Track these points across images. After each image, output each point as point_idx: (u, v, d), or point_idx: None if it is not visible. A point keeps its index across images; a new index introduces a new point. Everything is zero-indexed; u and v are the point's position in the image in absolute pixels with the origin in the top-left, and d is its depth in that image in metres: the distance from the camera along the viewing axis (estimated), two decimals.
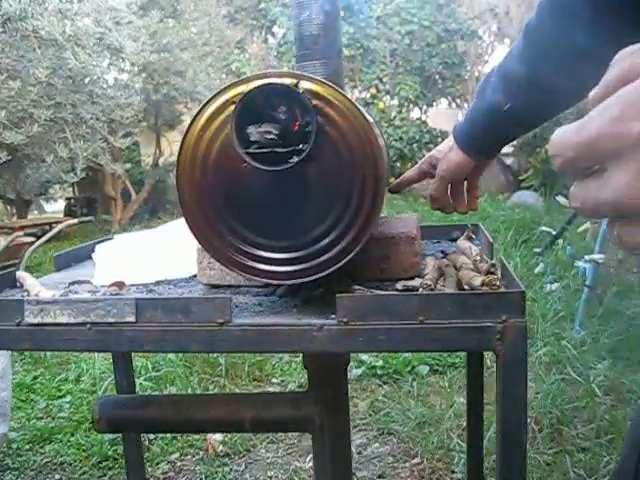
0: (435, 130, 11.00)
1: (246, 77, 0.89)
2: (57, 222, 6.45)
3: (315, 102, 0.88)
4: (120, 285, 1.20)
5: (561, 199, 5.68)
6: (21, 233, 5.45)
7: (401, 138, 10.08)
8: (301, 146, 0.87)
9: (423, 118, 11.13)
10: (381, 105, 10.53)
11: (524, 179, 9.04)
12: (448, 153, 1.23)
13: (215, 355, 3.29)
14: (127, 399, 1.41)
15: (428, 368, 3.21)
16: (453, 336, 0.89)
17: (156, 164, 9.89)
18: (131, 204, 9.24)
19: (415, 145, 10.54)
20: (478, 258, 1.15)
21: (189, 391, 2.96)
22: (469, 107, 1.22)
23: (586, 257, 3.87)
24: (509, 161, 10.31)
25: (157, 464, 2.56)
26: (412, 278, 1.09)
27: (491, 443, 2.20)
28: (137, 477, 1.79)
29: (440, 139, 11.35)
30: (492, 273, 1.03)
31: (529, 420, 2.58)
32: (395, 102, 10.88)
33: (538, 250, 5.00)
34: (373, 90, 10.61)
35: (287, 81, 0.87)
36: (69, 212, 10.80)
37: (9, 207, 10.38)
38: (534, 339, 3.43)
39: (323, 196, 0.90)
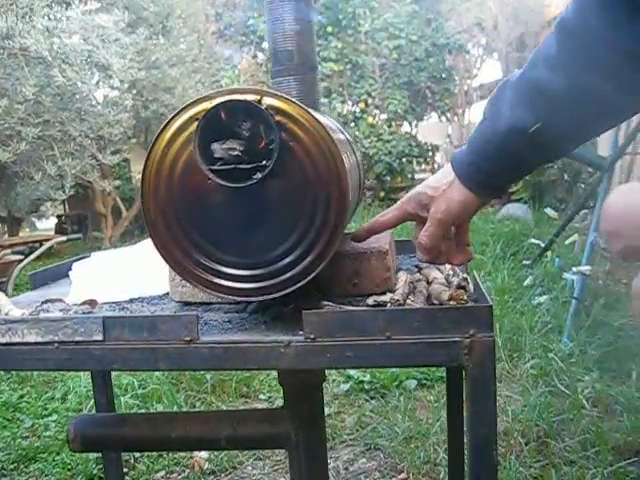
0: (425, 144, 11.04)
1: (209, 94, 0.89)
2: (47, 240, 6.43)
3: (279, 118, 0.88)
4: (92, 303, 1.19)
5: (550, 211, 5.70)
6: (9, 251, 5.44)
7: (390, 152, 10.11)
8: (264, 162, 0.87)
9: (413, 132, 11.18)
10: (370, 120, 10.57)
11: (514, 192, 9.07)
12: (447, 190, 0.96)
13: (202, 372, 3.27)
14: (102, 417, 1.40)
15: (416, 382, 3.20)
16: (420, 351, 0.89)
17: None
18: (121, 221, 9.22)
19: (405, 159, 10.57)
20: (451, 272, 1.15)
21: (175, 408, 2.94)
22: (472, 134, 0.96)
23: (574, 269, 3.88)
24: None
25: None
26: (384, 293, 1.09)
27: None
28: None
29: (430, 152, 11.40)
30: (462, 287, 1.04)
31: (515, 433, 2.57)
32: (385, 116, 10.92)
33: (527, 262, 5.00)
34: (362, 105, 10.66)
35: (250, 97, 0.88)
36: (60, 229, 10.76)
37: (0, 225, 10.34)
38: (522, 352, 3.42)
39: (287, 212, 0.90)
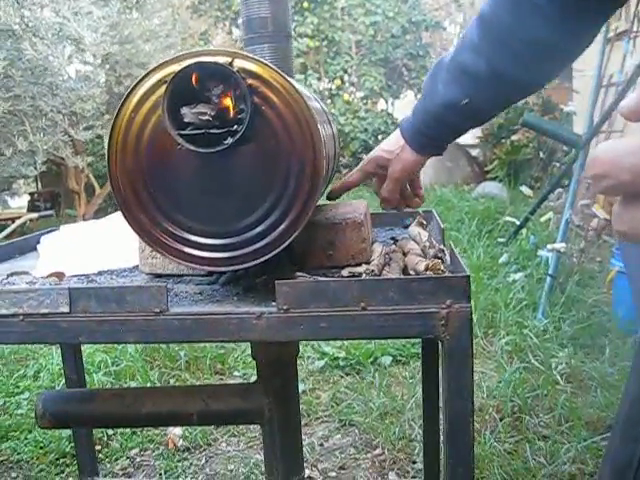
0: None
1: (178, 55, 0.85)
2: (18, 217, 6.33)
3: (251, 82, 0.85)
4: (59, 275, 1.16)
5: (525, 189, 5.74)
6: None
7: (366, 130, 10.05)
8: (236, 127, 0.83)
9: (389, 110, 11.12)
10: (346, 97, 10.50)
11: (490, 170, 9.08)
12: (400, 153, 1.20)
13: (176, 348, 3.24)
14: (71, 393, 1.37)
15: (391, 359, 3.19)
16: (396, 323, 0.87)
17: None
18: (95, 198, 9.08)
19: (380, 136, 10.51)
20: (427, 244, 1.13)
21: (149, 385, 2.92)
22: (416, 104, 1.18)
23: (548, 246, 3.90)
24: (475, 152, 10.35)
25: (116, 460, 2.51)
26: (359, 265, 1.07)
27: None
28: (89, 473, 1.74)
29: None
30: (439, 258, 1.01)
31: (490, 409, 2.58)
32: (361, 94, 10.86)
33: (502, 240, 5.01)
34: (338, 82, 10.57)
35: (221, 59, 0.84)
36: (32, 207, 10.60)
37: None
38: (497, 328, 3.43)
39: (260, 179, 0.87)
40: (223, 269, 0.92)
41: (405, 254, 1.09)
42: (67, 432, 2.57)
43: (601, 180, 0.36)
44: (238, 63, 0.84)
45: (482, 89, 1.05)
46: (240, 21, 10.55)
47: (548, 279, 3.69)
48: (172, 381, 3.06)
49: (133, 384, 2.96)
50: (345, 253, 1.10)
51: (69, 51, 6.39)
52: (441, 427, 1.73)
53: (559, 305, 3.60)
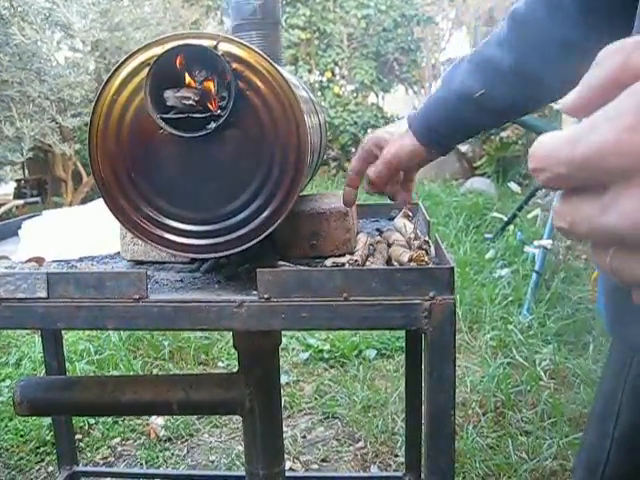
0: (390, 116, 10.97)
1: (161, 37, 0.83)
2: (3, 204, 6.28)
3: (235, 66, 0.83)
4: (39, 260, 1.14)
5: (513, 185, 5.72)
6: None
7: (356, 123, 10.01)
8: (219, 112, 0.82)
9: (380, 104, 11.10)
10: (337, 89, 10.46)
11: (478, 166, 9.09)
12: (401, 137, 1.10)
13: (160, 338, 3.22)
14: (50, 380, 1.35)
15: (375, 352, 3.19)
16: (379, 314, 0.86)
17: None
18: (82, 186, 9.01)
19: (370, 130, 10.49)
20: (412, 235, 1.12)
21: (132, 374, 2.90)
22: (429, 95, 1.12)
23: (535, 243, 3.90)
24: (464, 148, 10.36)
25: (97, 449, 2.50)
26: (343, 255, 1.06)
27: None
28: (68, 462, 1.73)
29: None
30: (424, 250, 1.01)
31: (473, 404, 2.58)
32: (352, 87, 10.82)
33: (489, 236, 5.02)
34: (329, 74, 10.53)
35: (205, 42, 0.83)
36: (19, 194, 10.50)
37: None
38: (482, 323, 3.43)
39: (243, 165, 0.86)
40: (205, 256, 0.91)
41: (390, 245, 1.08)
42: (48, 420, 2.55)
43: (539, 174, 0.35)
44: (223, 47, 0.83)
45: (502, 82, 1.00)
46: (226, 6, 10.52)
47: (534, 275, 3.70)
48: (155, 371, 3.05)
49: (115, 373, 2.95)
50: (329, 243, 1.09)
51: (58, 37, 6.34)
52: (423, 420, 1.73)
53: (544, 302, 3.61)
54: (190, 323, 0.88)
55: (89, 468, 2.22)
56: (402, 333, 3.04)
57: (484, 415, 2.52)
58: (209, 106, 0.84)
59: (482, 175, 8.52)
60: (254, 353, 1.22)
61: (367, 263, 1.00)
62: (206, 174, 0.87)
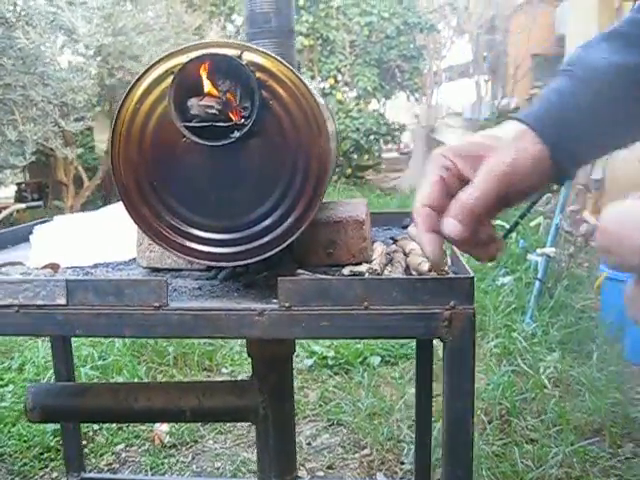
0: (392, 123, 10.99)
1: (185, 46, 0.84)
2: (5, 207, 6.28)
3: (259, 75, 0.83)
4: (54, 267, 1.14)
5: None
6: None
7: (358, 129, 10.04)
8: (243, 121, 0.82)
9: (381, 110, 11.12)
10: (339, 96, 10.49)
11: None
12: (517, 141, 0.66)
13: (164, 344, 3.22)
14: (62, 387, 1.35)
15: (380, 359, 3.19)
16: (399, 323, 0.86)
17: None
18: (83, 190, 9.02)
19: (372, 137, 10.51)
20: None
21: (137, 380, 2.90)
22: (549, 87, 0.71)
23: (538, 251, 3.90)
24: None
25: (101, 455, 2.49)
26: (360, 264, 1.06)
27: (441, 434, 2.19)
28: (75, 468, 1.72)
29: (398, 132, 11.34)
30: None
31: (479, 411, 2.58)
32: (354, 93, 10.85)
33: None
34: (331, 81, 10.56)
35: (229, 52, 0.83)
36: (20, 198, 10.50)
37: None
38: (485, 331, 3.43)
39: (265, 174, 0.86)
40: (227, 264, 0.91)
41: (406, 254, 1.08)
42: (51, 426, 2.54)
43: (606, 255, 0.33)
44: (247, 56, 0.83)
45: None
46: (233, 16, 10.52)
47: (537, 283, 3.70)
48: (160, 377, 3.04)
49: (120, 379, 2.94)
50: (346, 252, 1.09)
51: (62, 41, 6.34)
52: (434, 428, 1.73)
53: (547, 309, 3.61)
54: (210, 331, 0.89)
55: (94, 475, 2.22)
56: (407, 340, 3.05)
57: (490, 423, 2.51)
58: (230, 115, 0.85)
59: None
60: (268, 360, 1.22)
61: (385, 272, 1.00)
62: (228, 182, 0.87)
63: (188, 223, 0.89)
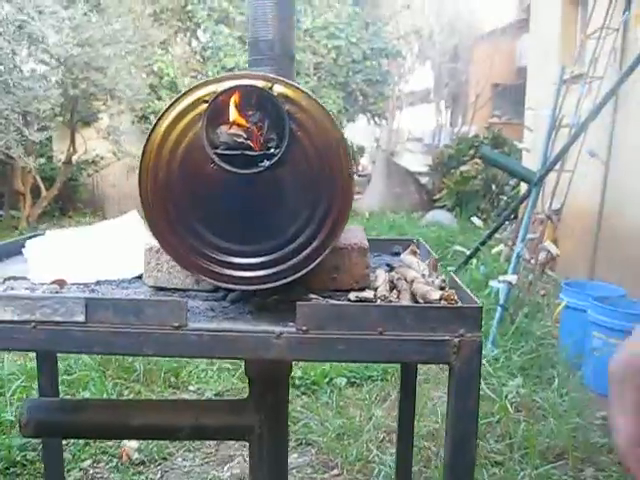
0: (351, 145, 11.09)
1: (218, 77, 0.87)
2: None
3: (288, 107, 0.87)
4: (61, 283, 1.15)
5: (476, 220, 5.86)
6: None
7: None
8: (272, 150, 0.86)
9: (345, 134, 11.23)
10: None
11: (438, 199, 9.26)
12: None
13: (130, 360, 3.20)
14: (58, 402, 1.35)
15: (345, 380, 3.22)
16: (411, 348, 0.90)
17: (69, 161, 9.56)
18: (40, 201, 8.90)
19: None
20: (426, 272, 1.17)
21: (104, 396, 2.87)
22: None
23: (500, 278, 3.99)
24: (424, 180, 10.54)
25: (69, 471, 2.46)
26: (363, 289, 1.10)
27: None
28: None
29: (359, 156, 11.44)
30: (442, 288, 1.05)
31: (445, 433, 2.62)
32: None
33: (452, 269, 5.10)
34: None
35: (260, 83, 0.87)
36: None
37: None
38: None
39: (291, 200, 0.89)
40: (256, 288, 0.94)
41: (408, 282, 1.13)
42: (17, 441, 2.51)
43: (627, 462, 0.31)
44: (277, 88, 0.87)
45: None
46: (198, 33, 10.53)
47: (499, 309, 3.78)
48: (126, 392, 3.02)
49: (86, 394, 2.91)
50: (349, 277, 1.13)
51: (28, 50, 6.28)
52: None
53: (509, 335, 3.69)
54: (227, 352, 0.91)
55: None
56: (372, 363, 3.08)
57: None
58: (253, 143, 0.88)
59: (442, 207, 8.68)
60: (266, 381, 1.24)
61: (391, 298, 1.04)
62: (255, 208, 0.90)
63: (213, 247, 0.91)
